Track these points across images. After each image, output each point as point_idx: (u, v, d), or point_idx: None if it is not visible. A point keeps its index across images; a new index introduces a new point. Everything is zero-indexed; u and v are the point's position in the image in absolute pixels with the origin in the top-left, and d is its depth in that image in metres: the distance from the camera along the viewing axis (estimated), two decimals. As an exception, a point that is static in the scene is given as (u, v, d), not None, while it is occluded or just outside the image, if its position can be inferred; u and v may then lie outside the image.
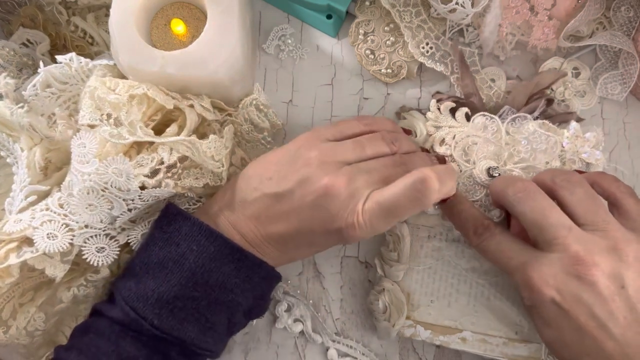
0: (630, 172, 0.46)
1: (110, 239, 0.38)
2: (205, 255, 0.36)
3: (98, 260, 0.38)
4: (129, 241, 0.39)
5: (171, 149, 0.38)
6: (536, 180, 0.38)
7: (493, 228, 0.38)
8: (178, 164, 0.38)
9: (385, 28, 0.46)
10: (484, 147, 0.41)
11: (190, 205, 0.42)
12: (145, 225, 0.40)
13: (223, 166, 0.40)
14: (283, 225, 0.37)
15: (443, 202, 0.40)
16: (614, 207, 0.37)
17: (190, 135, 0.39)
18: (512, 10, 0.43)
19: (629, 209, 0.36)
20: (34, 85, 0.40)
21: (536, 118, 0.43)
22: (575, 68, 0.46)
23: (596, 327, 0.33)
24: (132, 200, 0.36)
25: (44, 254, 0.36)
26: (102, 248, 0.38)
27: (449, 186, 0.36)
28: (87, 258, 0.37)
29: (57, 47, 0.47)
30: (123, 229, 0.39)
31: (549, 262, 0.34)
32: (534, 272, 0.34)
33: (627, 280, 0.33)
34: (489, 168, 0.41)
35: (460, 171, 0.42)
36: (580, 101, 0.46)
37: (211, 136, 0.39)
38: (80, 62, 0.40)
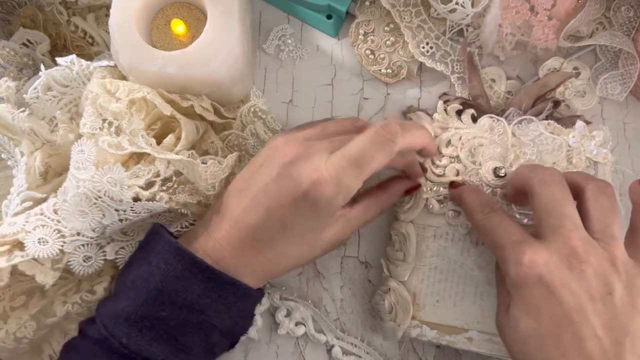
0: (630, 173, 0.46)
1: (100, 249, 0.38)
2: (173, 274, 0.35)
3: (82, 270, 0.37)
4: (117, 262, 0.39)
5: (168, 162, 0.38)
6: (570, 176, 0.37)
7: (499, 209, 0.38)
8: (174, 178, 0.38)
9: (385, 28, 0.46)
10: (490, 148, 0.41)
11: (183, 228, 0.41)
12: (134, 246, 0.39)
13: (214, 189, 0.39)
14: (253, 212, 0.36)
15: (453, 187, 0.41)
16: (632, 233, 0.36)
17: (190, 149, 0.39)
18: (512, 10, 0.43)
19: None
20: (35, 88, 0.40)
21: (543, 120, 0.43)
22: (575, 68, 0.46)
23: (580, 321, 0.31)
24: (124, 211, 0.36)
25: (34, 259, 0.36)
26: (89, 257, 0.38)
27: (416, 135, 0.37)
28: (72, 267, 0.37)
29: (57, 48, 0.47)
30: (113, 239, 0.39)
31: (546, 246, 0.33)
32: (528, 248, 0.33)
33: (616, 289, 0.32)
34: (495, 168, 0.41)
35: (466, 169, 0.42)
36: (580, 101, 0.46)
37: (210, 162, 0.39)
38: (82, 65, 0.40)
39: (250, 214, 0.36)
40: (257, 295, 0.39)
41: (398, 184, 0.42)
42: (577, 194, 0.36)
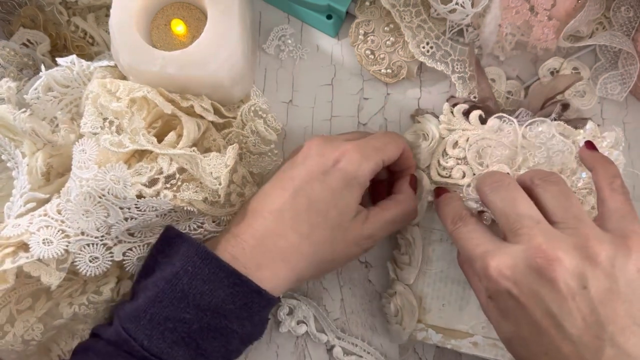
0: (630, 173, 0.46)
1: (107, 250, 0.38)
2: (199, 277, 0.35)
3: (89, 270, 0.37)
4: (124, 263, 0.39)
5: (171, 159, 0.38)
6: (517, 180, 0.37)
7: (468, 218, 0.37)
8: (177, 175, 0.38)
9: (385, 28, 0.46)
10: (497, 150, 0.40)
11: (191, 230, 0.41)
12: (142, 248, 0.39)
13: (220, 184, 0.39)
14: (279, 196, 0.38)
15: (437, 196, 0.41)
16: (600, 202, 0.35)
17: (192, 147, 0.39)
18: (512, 10, 0.43)
19: (613, 207, 0.34)
20: (36, 89, 0.40)
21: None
22: (575, 68, 0.46)
23: (552, 326, 0.31)
24: (129, 208, 0.36)
25: (39, 260, 0.36)
26: (96, 258, 0.37)
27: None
28: (79, 267, 0.37)
29: (58, 48, 0.47)
30: (120, 241, 0.38)
31: (511, 252, 0.33)
32: (492, 260, 0.33)
33: (590, 280, 0.31)
34: None
35: (474, 174, 0.41)
36: (580, 101, 0.46)
37: (212, 153, 0.39)
38: (82, 65, 0.40)
39: (277, 199, 0.38)
40: (277, 301, 0.39)
41: (401, 179, 0.43)
42: (528, 194, 0.36)
